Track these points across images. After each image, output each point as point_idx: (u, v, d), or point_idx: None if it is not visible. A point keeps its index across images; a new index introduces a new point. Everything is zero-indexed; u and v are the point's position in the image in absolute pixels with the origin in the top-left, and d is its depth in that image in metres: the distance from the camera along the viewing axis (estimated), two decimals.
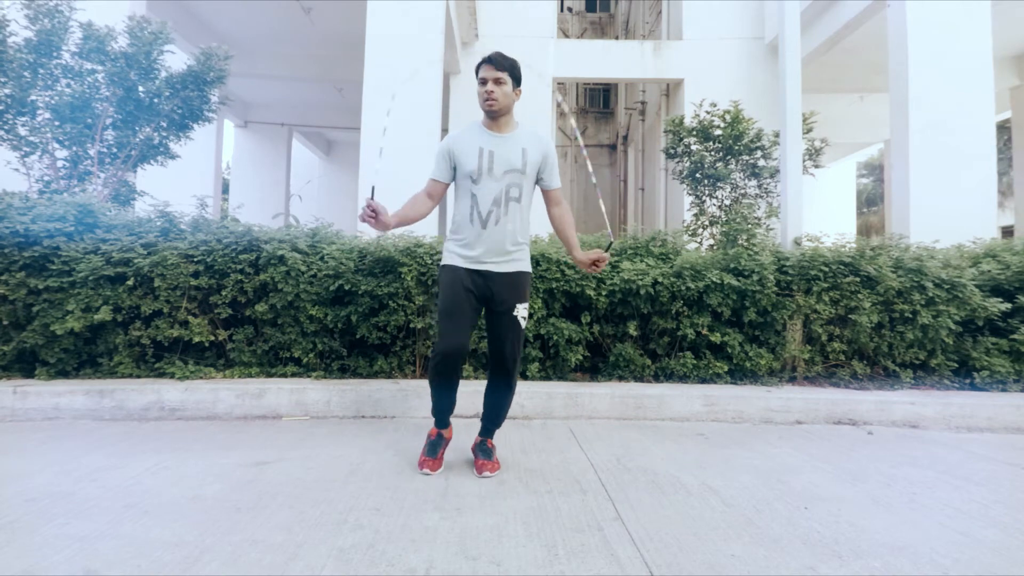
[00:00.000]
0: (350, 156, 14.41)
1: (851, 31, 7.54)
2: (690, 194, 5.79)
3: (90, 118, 4.48)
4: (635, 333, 3.57)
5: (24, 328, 3.32)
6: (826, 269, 3.60)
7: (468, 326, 2.15)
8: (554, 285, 3.51)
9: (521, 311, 2.20)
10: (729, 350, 3.55)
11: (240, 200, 10.84)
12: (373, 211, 2.03)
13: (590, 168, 2.52)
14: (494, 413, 2.31)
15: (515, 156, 2.16)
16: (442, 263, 2.25)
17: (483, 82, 2.15)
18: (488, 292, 2.17)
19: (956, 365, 3.66)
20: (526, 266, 2.25)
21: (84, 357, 3.41)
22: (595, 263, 2.24)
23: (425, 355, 3.57)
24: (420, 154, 5.10)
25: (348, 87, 10.23)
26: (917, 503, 1.95)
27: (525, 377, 3.52)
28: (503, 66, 2.15)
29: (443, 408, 2.28)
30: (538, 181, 2.26)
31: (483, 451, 2.29)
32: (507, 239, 2.17)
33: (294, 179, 13.07)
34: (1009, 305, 3.65)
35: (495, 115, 2.17)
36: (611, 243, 2.55)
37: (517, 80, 2.18)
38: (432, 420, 2.35)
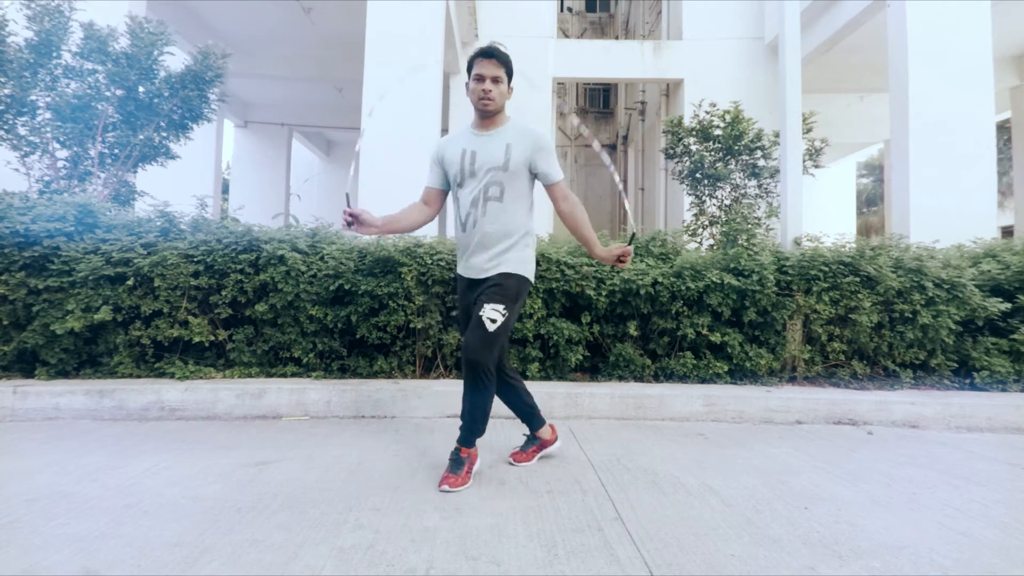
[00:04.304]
0: (350, 156, 14.41)
1: (851, 31, 7.54)
2: (690, 194, 5.79)
3: (91, 118, 4.48)
4: (635, 333, 3.57)
5: (24, 328, 3.32)
6: (826, 269, 3.59)
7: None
8: (554, 285, 3.51)
9: (488, 311, 1.99)
10: (729, 350, 3.55)
11: (240, 200, 10.86)
12: (352, 215, 1.96)
13: (607, 161, 2.33)
14: (466, 417, 2.12)
15: (497, 153, 2.02)
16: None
17: (479, 79, 2.00)
18: (477, 295, 2.10)
19: (956, 365, 3.66)
20: (512, 268, 2.07)
21: (84, 357, 3.41)
22: (620, 258, 2.10)
23: (425, 355, 3.57)
24: (420, 153, 5.10)
25: (348, 87, 10.23)
26: (917, 503, 1.95)
27: (525, 377, 3.51)
28: (503, 62, 2.00)
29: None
30: (537, 177, 2.11)
31: (453, 461, 2.10)
32: (487, 243, 2.03)
33: (294, 179, 13.07)
34: (1009, 305, 3.65)
35: (489, 115, 2.05)
36: (633, 235, 2.37)
37: (511, 77, 2.06)
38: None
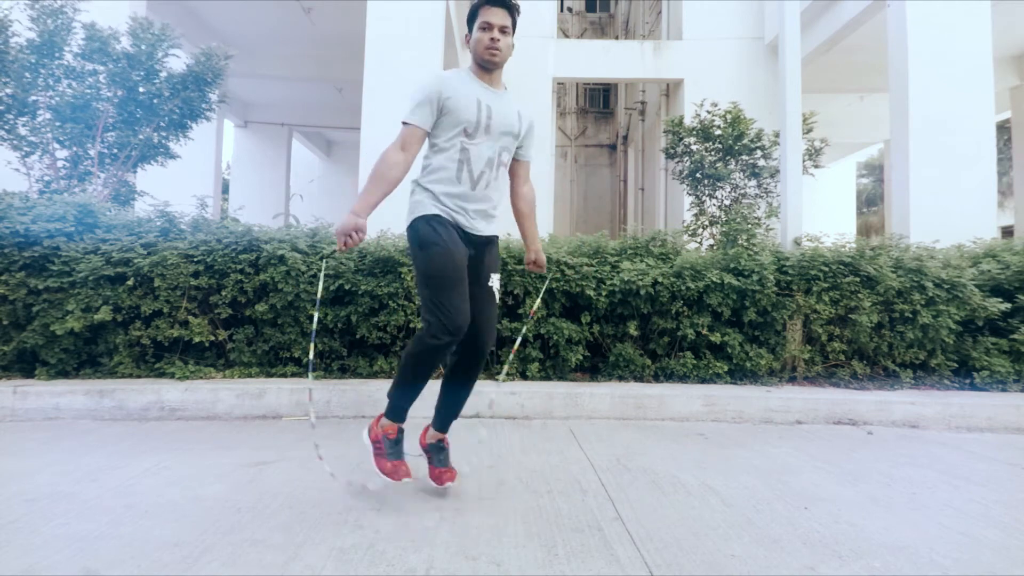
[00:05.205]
0: (350, 156, 14.42)
1: (851, 31, 7.55)
2: (690, 194, 5.79)
3: (91, 118, 4.48)
4: (635, 333, 3.57)
5: (24, 328, 3.32)
6: (826, 269, 3.59)
7: (468, 298, 1.83)
8: (554, 285, 3.51)
9: (495, 281, 1.97)
10: (729, 350, 3.55)
11: (240, 200, 10.86)
12: (356, 231, 1.77)
13: None
14: (458, 406, 2.04)
15: (512, 118, 1.92)
16: (423, 214, 1.85)
17: (486, 27, 1.83)
18: (474, 261, 1.91)
19: (956, 365, 3.66)
20: (496, 230, 2.03)
21: (84, 357, 3.41)
22: (536, 263, 2.14)
23: None
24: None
25: (348, 87, 10.22)
26: (917, 503, 1.95)
27: (525, 377, 3.52)
28: (511, 12, 1.85)
29: (413, 399, 1.99)
30: (517, 151, 2.03)
31: (440, 454, 2.00)
32: (490, 205, 1.94)
33: (294, 179, 13.08)
34: (1009, 305, 3.65)
35: (493, 68, 1.89)
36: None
37: (514, 30, 1.90)
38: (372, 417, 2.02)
